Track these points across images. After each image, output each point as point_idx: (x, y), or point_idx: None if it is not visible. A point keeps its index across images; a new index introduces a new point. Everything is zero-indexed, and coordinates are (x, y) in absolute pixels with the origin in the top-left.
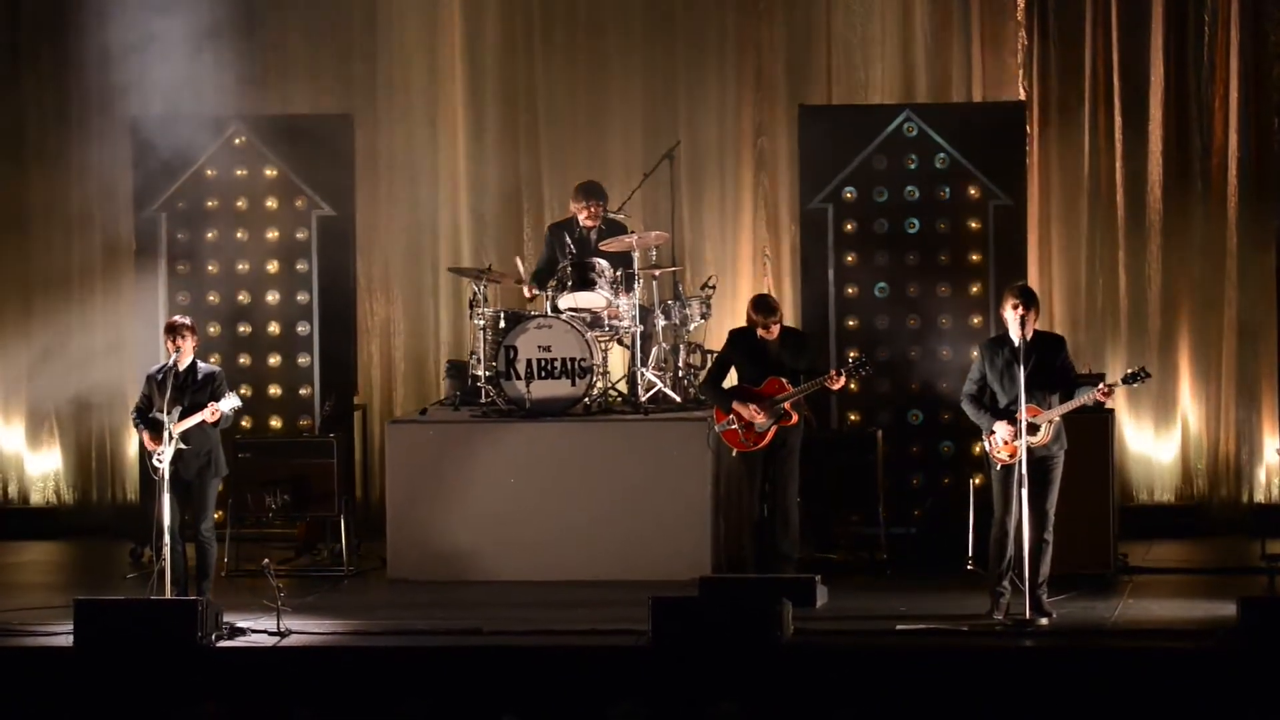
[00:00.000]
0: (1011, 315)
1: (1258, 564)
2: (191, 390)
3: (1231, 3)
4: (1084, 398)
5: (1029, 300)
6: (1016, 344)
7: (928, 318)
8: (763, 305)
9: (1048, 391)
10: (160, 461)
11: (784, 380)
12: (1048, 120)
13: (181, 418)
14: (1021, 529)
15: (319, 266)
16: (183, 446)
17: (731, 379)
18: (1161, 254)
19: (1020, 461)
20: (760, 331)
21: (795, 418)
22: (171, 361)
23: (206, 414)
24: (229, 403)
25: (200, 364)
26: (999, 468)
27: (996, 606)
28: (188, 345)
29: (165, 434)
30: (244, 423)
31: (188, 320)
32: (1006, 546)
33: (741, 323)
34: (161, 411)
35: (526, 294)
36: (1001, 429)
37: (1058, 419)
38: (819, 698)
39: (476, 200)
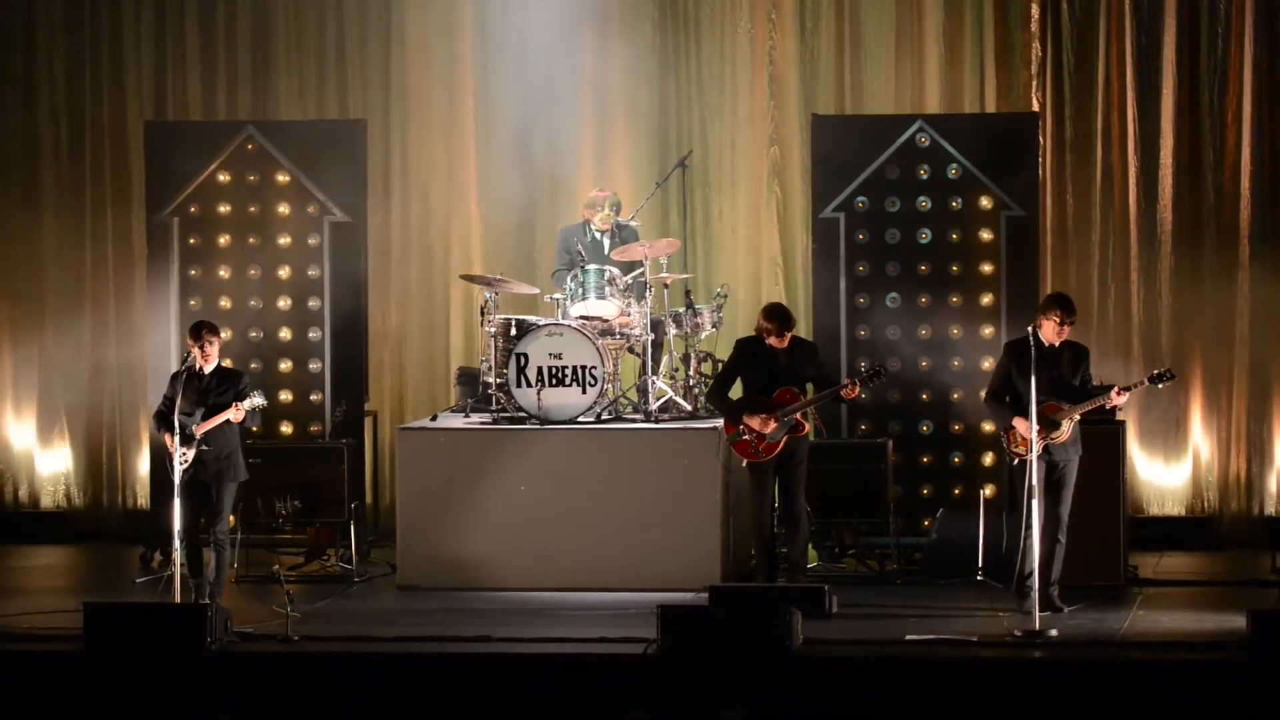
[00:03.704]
0: (1054, 328)
1: (1268, 577)
2: (216, 393)
3: (1245, 16)
4: (1102, 398)
5: (1073, 316)
6: (1045, 348)
7: (939, 328)
8: (779, 315)
9: (1068, 397)
10: (182, 462)
11: (795, 390)
12: (1061, 131)
13: (205, 419)
14: (1033, 532)
15: (331, 272)
16: (205, 448)
17: (737, 389)
18: (1174, 264)
19: (1030, 472)
20: (771, 340)
21: (807, 427)
22: (193, 362)
23: (231, 413)
24: (253, 401)
25: (223, 367)
26: (1015, 463)
27: (1025, 602)
28: (214, 349)
29: (187, 435)
30: (254, 428)
31: (215, 324)
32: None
33: (753, 331)
34: (184, 413)
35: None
36: (1021, 424)
37: (1076, 418)
38: (828, 707)
39: (488, 207)
